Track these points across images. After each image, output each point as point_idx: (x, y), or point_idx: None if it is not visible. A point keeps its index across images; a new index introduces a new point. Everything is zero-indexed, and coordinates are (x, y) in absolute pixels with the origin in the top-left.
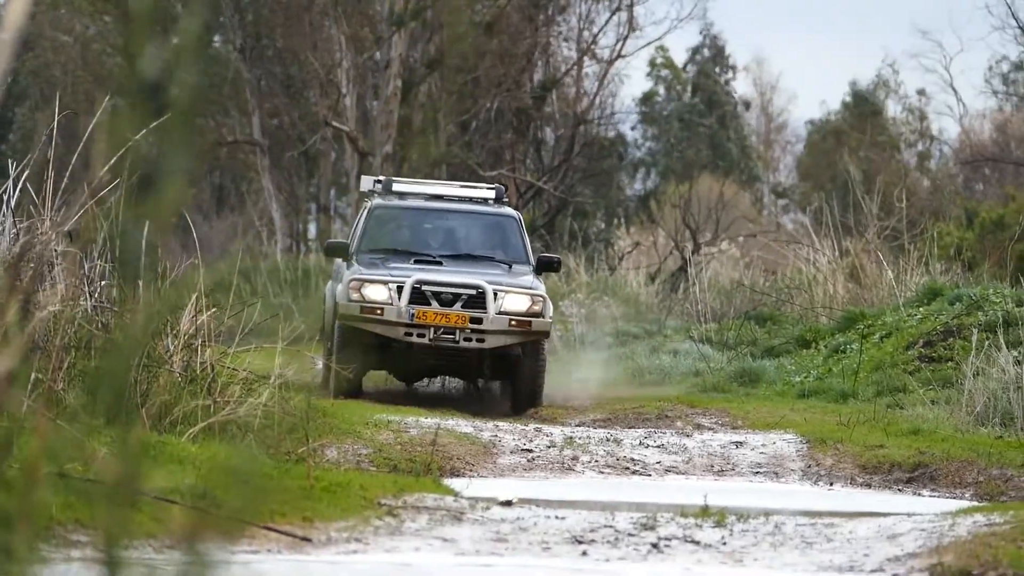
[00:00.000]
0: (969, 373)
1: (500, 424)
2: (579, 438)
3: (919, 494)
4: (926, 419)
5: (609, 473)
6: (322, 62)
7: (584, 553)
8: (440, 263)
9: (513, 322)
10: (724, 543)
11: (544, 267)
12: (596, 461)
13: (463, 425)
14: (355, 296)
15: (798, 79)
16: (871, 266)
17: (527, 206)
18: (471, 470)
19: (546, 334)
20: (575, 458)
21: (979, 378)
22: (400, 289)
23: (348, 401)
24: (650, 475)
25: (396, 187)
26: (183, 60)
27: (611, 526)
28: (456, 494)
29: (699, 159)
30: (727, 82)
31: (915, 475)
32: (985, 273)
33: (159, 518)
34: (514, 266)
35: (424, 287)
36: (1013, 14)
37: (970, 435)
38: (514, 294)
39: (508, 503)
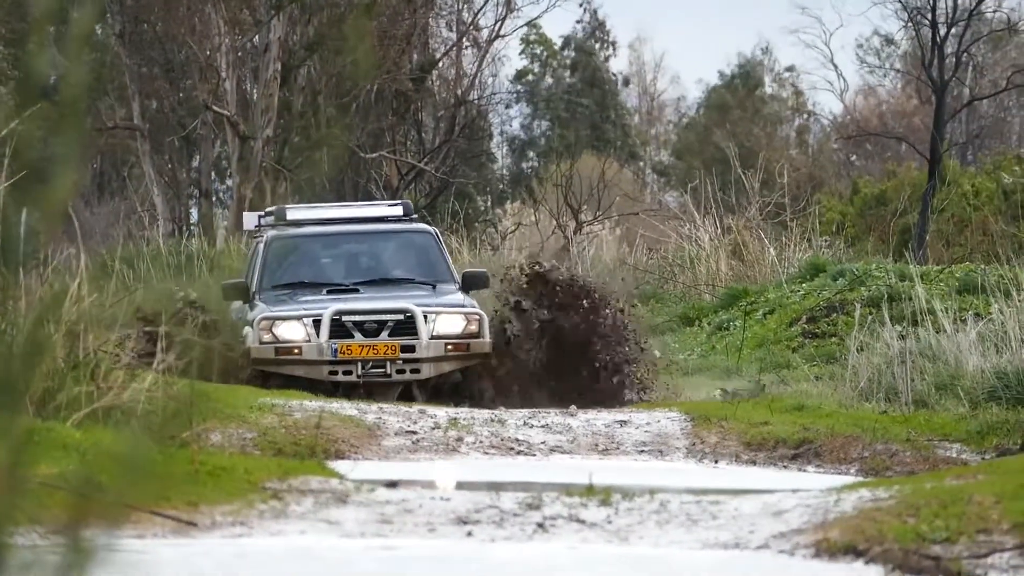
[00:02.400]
0: (853, 348)
1: (384, 406)
2: (463, 419)
3: (804, 470)
4: (810, 395)
5: (494, 454)
6: (201, 46)
7: (469, 534)
8: (357, 290)
9: (449, 346)
10: (610, 522)
11: (471, 284)
12: (481, 442)
13: (347, 408)
14: (267, 337)
15: (679, 57)
16: (753, 243)
17: (408, 188)
18: (356, 452)
19: (487, 356)
20: (460, 439)
21: (863, 353)
22: (317, 323)
23: (232, 385)
24: (535, 455)
25: (291, 214)
26: (73, 51)
27: (496, 506)
28: (341, 477)
29: (580, 138)
30: (606, 59)
31: (800, 451)
32: (868, 248)
33: (44, 504)
34: (438, 286)
35: (344, 317)
36: None
37: (854, 410)
38: (447, 314)
39: (393, 484)
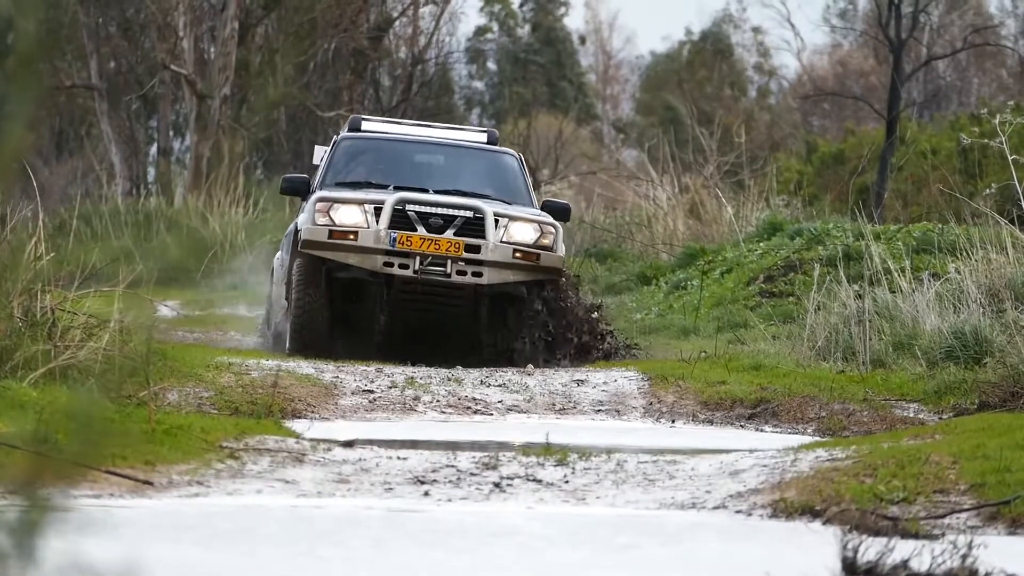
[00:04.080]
0: (810, 308)
1: (342, 365)
2: (420, 378)
3: (761, 430)
4: (768, 355)
5: (451, 413)
6: (159, 5)
7: (426, 493)
8: (426, 191)
9: (518, 254)
10: (566, 481)
11: (550, 214)
12: (438, 401)
13: (304, 366)
14: (322, 220)
15: (636, 16)
16: (711, 202)
17: None
18: (313, 411)
19: (558, 271)
20: (417, 398)
21: (820, 313)
22: (379, 211)
23: (189, 344)
24: (492, 414)
25: (366, 126)
26: (23, 5)
27: (453, 466)
28: (298, 436)
29: (537, 97)
30: (561, 17)
31: (757, 411)
32: (825, 207)
33: (1, 463)
34: (515, 205)
35: (409, 207)
36: None
37: (812, 370)
38: (520, 222)
39: (350, 444)
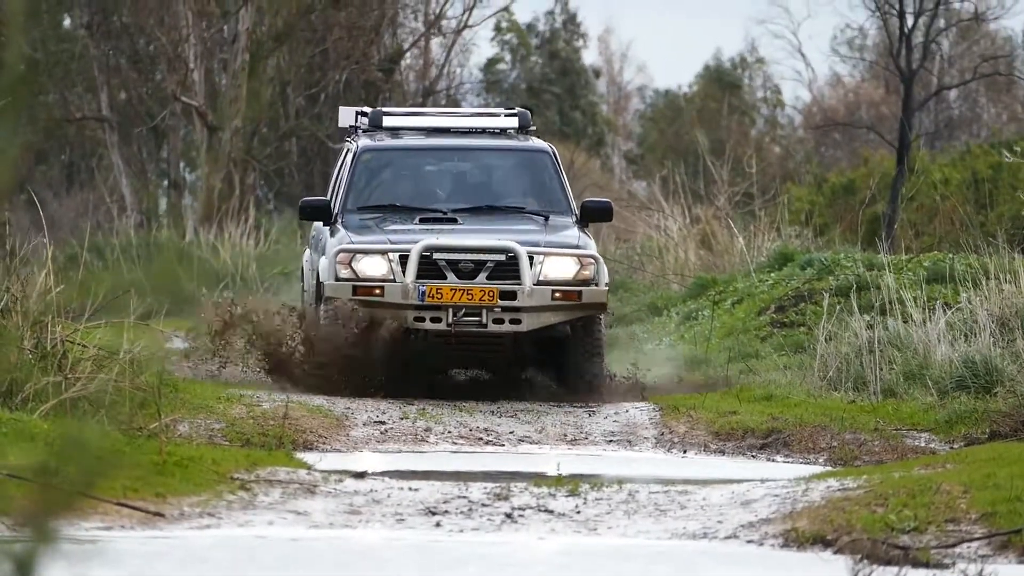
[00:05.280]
0: (821, 338)
1: (353, 397)
2: (432, 410)
3: (773, 460)
4: (779, 385)
5: (462, 444)
6: (169, 37)
7: (438, 524)
8: (455, 220)
9: (557, 294)
10: (578, 512)
11: (591, 216)
12: (449, 432)
13: (316, 398)
14: (345, 273)
15: (649, 49)
16: (722, 232)
17: None
18: (324, 443)
19: (602, 307)
20: (428, 429)
21: (831, 343)
22: (404, 260)
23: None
24: (503, 445)
25: (388, 120)
26: (12, 33)
27: (465, 497)
28: (309, 467)
29: (548, 126)
30: (577, 50)
31: (768, 441)
32: (836, 237)
33: (11, 495)
34: (552, 217)
35: (436, 255)
36: None
37: (823, 400)
38: (556, 257)
39: (361, 475)
